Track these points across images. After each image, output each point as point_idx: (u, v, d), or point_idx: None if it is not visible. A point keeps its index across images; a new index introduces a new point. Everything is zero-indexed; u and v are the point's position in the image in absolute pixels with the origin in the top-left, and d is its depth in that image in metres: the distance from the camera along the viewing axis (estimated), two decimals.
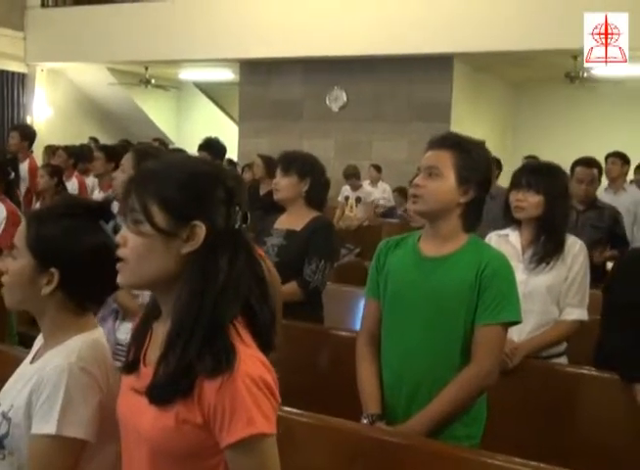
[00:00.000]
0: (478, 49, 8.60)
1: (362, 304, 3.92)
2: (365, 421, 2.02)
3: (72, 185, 6.15)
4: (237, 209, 1.25)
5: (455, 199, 1.98)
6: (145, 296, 2.19)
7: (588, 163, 4.30)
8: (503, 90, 11.59)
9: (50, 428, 1.36)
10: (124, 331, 2.62)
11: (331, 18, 9.23)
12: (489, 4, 8.32)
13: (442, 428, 1.96)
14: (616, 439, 2.47)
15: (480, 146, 2.06)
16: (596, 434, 2.50)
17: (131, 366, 1.31)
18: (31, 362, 1.52)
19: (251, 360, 1.19)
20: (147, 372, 1.25)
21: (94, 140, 10.33)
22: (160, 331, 1.27)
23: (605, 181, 5.79)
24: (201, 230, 1.21)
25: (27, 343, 1.70)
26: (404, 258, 2.08)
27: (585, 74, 9.35)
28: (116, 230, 1.47)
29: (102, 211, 1.52)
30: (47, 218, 1.47)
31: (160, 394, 1.18)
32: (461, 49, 8.73)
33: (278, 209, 3.26)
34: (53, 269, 1.44)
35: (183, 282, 1.21)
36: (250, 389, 1.16)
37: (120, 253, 1.25)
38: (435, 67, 9.32)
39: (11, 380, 1.53)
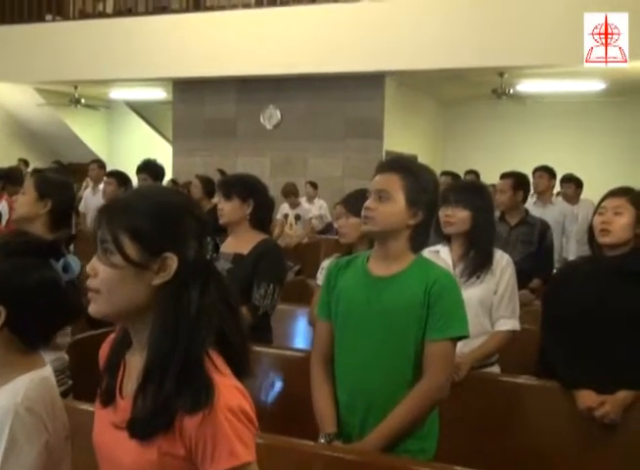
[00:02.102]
0: (408, 67, 8.79)
1: (305, 322, 4.00)
2: (322, 441, 2.05)
3: (2, 208, 6.00)
4: (208, 239, 1.26)
5: (405, 221, 2.04)
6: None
7: (503, 175, 4.68)
8: (433, 106, 11.89)
9: None
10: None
11: (264, 37, 9.28)
12: (418, 24, 8.52)
13: (397, 443, 2.01)
14: (558, 444, 2.57)
15: (427, 169, 2.14)
16: (539, 440, 2.60)
17: (106, 398, 1.30)
18: None
19: (229, 391, 1.19)
20: (124, 405, 1.24)
21: (24, 162, 10.09)
22: (134, 362, 1.27)
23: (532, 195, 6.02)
24: (172, 262, 1.22)
25: None
26: (354, 278, 2.13)
27: (511, 91, 9.69)
28: (65, 268, 1.46)
29: (53, 249, 1.49)
30: None
31: (142, 429, 1.18)
32: (391, 67, 8.90)
33: (218, 229, 3.26)
34: (0, 307, 1.40)
35: (155, 314, 1.22)
36: (230, 421, 1.17)
37: (91, 283, 1.24)
38: (367, 84, 9.49)
39: None
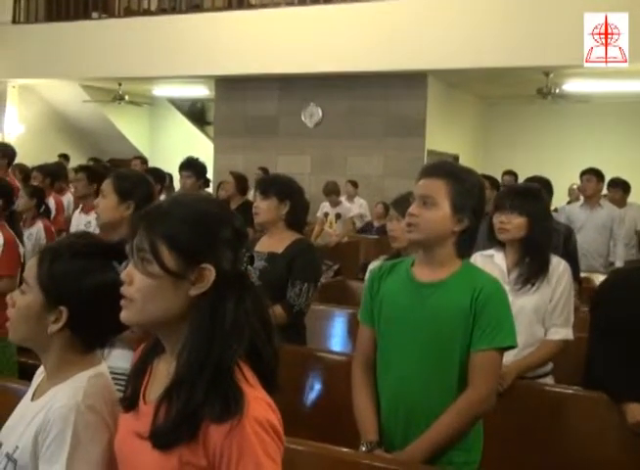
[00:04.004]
0: (451, 66, 8.71)
1: (343, 323, 3.97)
2: (363, 448, 2.01)
3: (51, 204, 6.08)
4: (244, 251, 1.24)
5: (450, 227, 1.99)
6: None
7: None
8: (476, 106, 11.74)
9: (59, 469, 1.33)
10: (115, 358, 2.57)
11: (306, 35, 9.29)
12: (462, 22, 8.43)
13: (441, 454, 1.96)
14: (605, 458, 2.50)
15: (472, 174, 2.08)
16: (586, 453, 2.53)
17: (130, 403, 1.29)
18: (33, 399, 1.49)
19: (258, 403, 1.18)
20: (147, 410, 1.23)
21: (64, 157, 10.24)
22: (162, 368, 1.26)
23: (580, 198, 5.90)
24: (210, 273, 1.20)
25: (27, 371, 1.66)
26: (398, 284, 2.09)
27: (557, 90, 9.51)
28: None
29: (116, 251, 1.49)
30: (61, 256, 1.44)
31: (165, 439, 1.17)
32: (435, 66, 8.83)
33: (249, 225, 3.25)
34: (62, 308, 1.41)
35: (191, 325, 1.20)
36: (257, 434, 1.15)
37: (126, 291, 1.23)
38: (410, 83, 9.42)
39: (12, 418, 1.49)
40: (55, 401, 1.39)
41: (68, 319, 1.42)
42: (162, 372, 1.25)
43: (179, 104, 13.95)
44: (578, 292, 4.19)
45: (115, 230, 2.67)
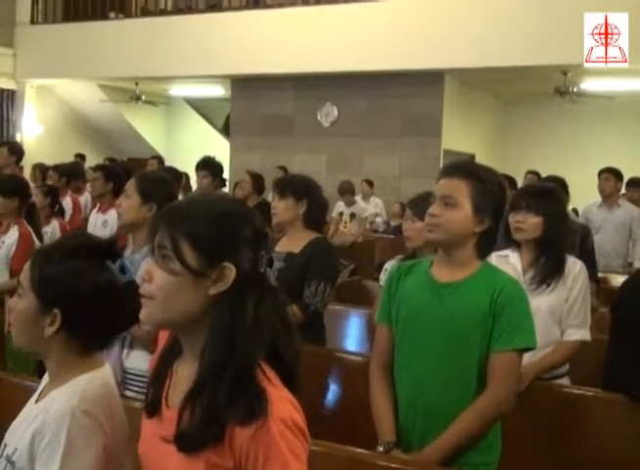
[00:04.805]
0: (468, 65, 8.67)
1: (360, 323, 3.96)
2: (381, 449, 2.00)
3: (66, 204, 6.12)
4: (263, 252, 1.24)
5: (471, 228, 1.98)
6: None
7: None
8: (493, 105, 11.68)
9: None
10: (134, 359, 2.58)
11: (322, 34, 9.28)
12: (479, 21, 8.39)
13: (458, 456, 1.94)
14: (625, 460, 2.47)
15: (493, 173, 2.06)
16: (605, 455, 2.50)
17: (152, 408, 1.28)
18: (36, 402, 1.48)
19: (282, 402, 1.17)
20: (170, 415, 1.22)
21: (80, 157, 10.30)
22: (183, 371, 1.25)
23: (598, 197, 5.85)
24: (230, 272, 1.20)
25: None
26: (417, 284, 2.07)
27: (575, 89, 9.43)
28: (123, 269, 1.44)
29: (109, 250, 1.47)
30: (51, 258, 1.42)
31: (190, 443, 1.16)
32: (451, 65, 8.79)
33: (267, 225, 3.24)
34: (55, 310, 1.39)
35: (211, 325, 1.20)
36: (283, 433, 1.14)
37: (145, 289, 1.22)
38: (426, 82, 9.38)
39: (17, 419, 1.48)
40: (52, 405, 1.39)
41: (63, 322, 1.40)
42: (183, 375, 1.24)
43: (195, 103, 13.99)
44: (596, 292, 4.15)
45: (136, 231, 2.68)
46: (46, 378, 1.53)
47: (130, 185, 2.71)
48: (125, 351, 2.58)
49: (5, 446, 1.44)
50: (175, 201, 2.75)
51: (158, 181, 2.76)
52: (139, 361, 2.55)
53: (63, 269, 1.41)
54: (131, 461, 1.48)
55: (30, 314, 1.41)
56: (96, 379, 1.44)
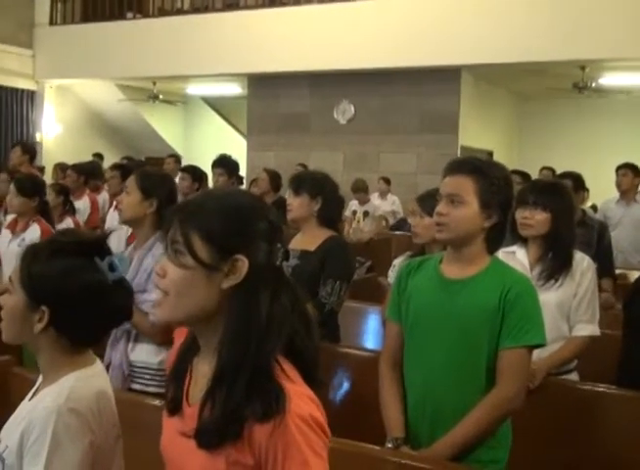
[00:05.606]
0: (485, 61, 8.62)
1: (376, 321, 3.96)
2: (390, 445, 2.01)
3: (84, 203, 6.18)
4: (279, 245, 1.23)
5: (479, 224, 1.98)
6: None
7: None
8: (511, 101, 11.60)
9: None
10: (138, 352, 2.60)
11: (338, 31, 9.28)
12: (496, 16, 8.34)
13: (468, 452, 1.95)
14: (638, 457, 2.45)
15: (498, 167, 2.06)
16: (618, 452, 2.48)
17: (173, 406, 1.28)
18: (30, 399, 1.50)
19: (300, 398, 1.15)
20: (191, 412, 1.22)
21: (98, 156, 10.38)
22: (202, 368, 1.24)
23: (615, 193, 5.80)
24: (243, 264, 1.18)
25: None
26: (426, 280, 2.08)
27: (594, 84, 9.34)
28: (112, 267, 1.44)
29: (97, 247, 1.47)
30: (40, 255, 1.43)
31: (210, 439, 1.15)
32: (468, 61, 8.75)
33: (283, 222, 3.25)
34: (44, 307, 1.40)
35: (226, 320, 1.19)
36: (301, 430, 1.13)
37: (160, 284, 1.22)
38: (443, 78, 9.34)
39: (12, 417, 1.50)
40: (41, 403, 1.40)
41: (52, 319, 1.41)
42: (203, 372, 1.23)
43: (212, 102, 14.04)
44: (613, 289, 4.12)
45: (138, 227, 2.70)
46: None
47: (130, 181, 2.73)
48: (130, 344, 2.61)
49: (0, 442, 1.46)
50: (176, 198, 2.80)
51: (158, 177, 2.79)
52: (144, 354, 2.58)
53: (50, 267, 1.42)
54: (120, 458, 1.50)
55: (20, 311, 1.42)
56: (85, 377, 1.44)
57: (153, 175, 2.81)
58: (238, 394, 1.14)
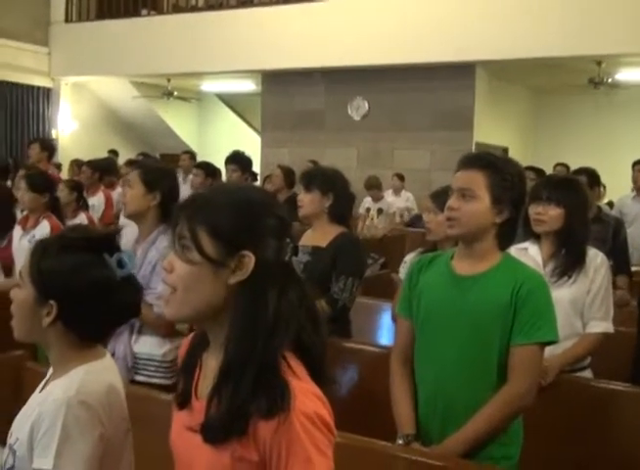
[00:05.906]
0: (499, 56, 8.57)
1: (389, 317, 3.94)
2: (400, 442, 2.00)
3: (99, 200, 6.21)
4: (288, 241, 1.22)
5: (490, 219, 1.96)
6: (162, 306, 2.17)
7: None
8: (525, 97, 11.52)
9: (47, 463, 1.34)
10: (142, 344, 2.62)
11: (352, 28, 9.25)
12: (511, 11, 8.28)
13: (479, 449, 1.94)
14: None
15: (511, 163, 2.05)
16: (631, 450, 2.46)
17: (182, 400, 1.28)
18: (40, 391, 1.51)
19: (306, 395, 1.14)
20: (200, 406, 1.22)
21: (113, 153, 10.44)
22: (211, 362, 1.24)
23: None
24: (249, 260, 1.18)
25: None
26: (437, 277, 2.07)
27: (610, 80, 9.26)
28: (121, 264, 1.45)
29: (106, 243, 1.48)
30: (49, 251, 1.45)
31: (215, 434, 1.16)
32: (483, 57, 8.70)
33: (295, 218, 3.24)
34: (52, 302, 1.42)
35: (232, 315, 1.19)
36: (306, 428, 1.12)
37: (167, 279, 1.22)
38: (457, 75, 9.30)
39: (23, 409, 1.51)
40: (50, 395, 1.41)
41: (60, 313, 1.42)
42: (211, 366, 1.23)
43: (227, 99, 14.07)
44: (629, 286, 4.08)
45: (141, 220, 2.72)
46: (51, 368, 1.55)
47: (133, 175, 2.76)
48: (134, 336, 2.63)
49: (11, 435, 1.47)
50: (178, 192, 2.84)
51: (160, 171, 2.82)
52: (147, 346, 2.60)
53: (59, 262, 1.43)
54: (130, 452, 1.50)
55: (29, 305, 1.44)
56: (95, 371, 1.45)
57: (155, 169, 2.84)
58: (244, 390, 1.14)
